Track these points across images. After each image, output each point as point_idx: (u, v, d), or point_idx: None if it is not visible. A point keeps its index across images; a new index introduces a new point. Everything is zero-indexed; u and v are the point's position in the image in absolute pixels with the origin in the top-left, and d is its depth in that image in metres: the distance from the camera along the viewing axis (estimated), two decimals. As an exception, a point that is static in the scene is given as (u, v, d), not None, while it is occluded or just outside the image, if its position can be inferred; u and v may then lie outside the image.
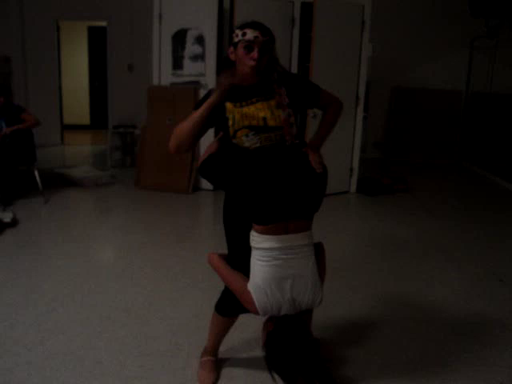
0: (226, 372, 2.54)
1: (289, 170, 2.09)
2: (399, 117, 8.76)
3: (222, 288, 2.39)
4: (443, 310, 3.30)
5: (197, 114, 2.17)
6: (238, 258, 2.23)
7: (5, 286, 3.42)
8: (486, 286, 3.72)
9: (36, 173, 5.49)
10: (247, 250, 2.14)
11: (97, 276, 3.65)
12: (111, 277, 3.66)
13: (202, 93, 5.92)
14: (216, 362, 2.55)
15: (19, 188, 5.64)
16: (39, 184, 5.48)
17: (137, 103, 7.33)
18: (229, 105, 2.19)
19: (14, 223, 4.60)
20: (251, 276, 2.11)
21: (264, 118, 2.16)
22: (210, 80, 5.93)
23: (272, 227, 2.05)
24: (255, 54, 2.10)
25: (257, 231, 2.09)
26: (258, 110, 2.17)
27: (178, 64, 6.03)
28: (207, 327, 2.55)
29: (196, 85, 5.98)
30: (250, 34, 2.09)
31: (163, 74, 6.13)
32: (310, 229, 2.15)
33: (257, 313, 2.11)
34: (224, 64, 2.25)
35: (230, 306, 2.27)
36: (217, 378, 2.47)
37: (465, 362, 2.69)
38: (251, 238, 2.12)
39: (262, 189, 2.05)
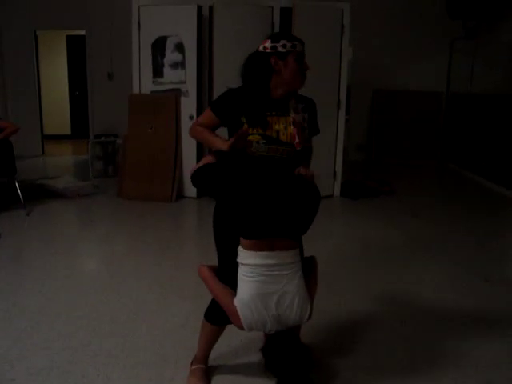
0: (215, 379, 2.51)
1: (282, 189, 2.12)
2: (381, 119, 8.81)
3: (209, 297, 2.37)
4: (430, 311, 3.31)
5: (208, 141, 2.35)
6: (228, 271, 2.21)
7: (-13, 301, 3.35)
8: (472, 285, 3.74)
9: (17, 185, 5.41)
10: (237, 263, 2.15)
11: (81, 288, 3.60)
12: (96, 289, 3.61)
13: (183, 100, 5.92)
14: (206, 369, 2.53)
15: (0, 201, 5.55)
16: (20, 196, 5.39)
17: (118, 112, 7.26)
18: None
19: (-5, 237, 4.53)
20: (238, 291, 2.12)
21: (277, 131, 2.23)
22: (190, 87, 5.91)
23: (258, 243, 2.07)
24: (307, 65, 2.23)
25: (243, 246, 2.10)
26: (274, 123, 2.23)
27: (158, 72, 6.00)
28: (194, 337, 2.53)
29: (177, 92, 5.95)
30: (299, 47, 2.21)
31: (143, 81, 6.08)
32: (296, 248, 2.16)
33: (242, 328, 2.12)
34: (263, 72, 2.24)
35: (219, 314, 2.25)
36: (207, 386, 2.45)
37: (453, 362, 2.70)
38: (238, 253, 2.13)
39: (253, 202, 2.07)
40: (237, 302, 2.10)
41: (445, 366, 2.66)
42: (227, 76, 5.97)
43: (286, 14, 5.75)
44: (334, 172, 6.31)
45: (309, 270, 2.25)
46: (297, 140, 2.23)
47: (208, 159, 2.38)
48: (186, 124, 5.94)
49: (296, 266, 2.14)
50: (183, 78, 5.93)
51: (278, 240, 2.09)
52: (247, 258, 2.09)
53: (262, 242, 2.07)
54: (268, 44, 2.21)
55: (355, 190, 6.36)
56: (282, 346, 2.16)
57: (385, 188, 6.55)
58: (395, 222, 5.32)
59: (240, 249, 2.13)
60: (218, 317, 2.32)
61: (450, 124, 8.66)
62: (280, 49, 2.18)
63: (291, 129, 2.24)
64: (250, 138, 2.20)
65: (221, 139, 2.27)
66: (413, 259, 4.27)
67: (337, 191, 6.37)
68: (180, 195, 6.10)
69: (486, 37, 7.82)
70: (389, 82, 8.63)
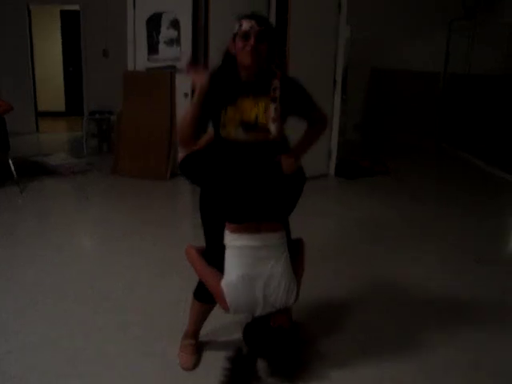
0: (206, 355, 2.55)
1: (265, 172, 2.13)
2: (378, 99, 8.78)
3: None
4: (421, 291, 3.34)
5: (187, 114, 2.19)
6: (215, 253, 2.24)
7: (-19, 276, 3.37)
8: (463, 266, 3.77)
9: (10, 161, 5.38)
10: (224, 245, 2.17)
11: (76, 265, 3.62)
12: (90, 265, 3.63)
13: (178, 77, 5.88)
14: (197, 345, 2.56)
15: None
16: (14, 173, 5.37)
17: (112, 89, 7.20)
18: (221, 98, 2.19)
19: (-12, 213, 4.53)
20: (225, 273, 2.15)
21: (256, 115, 2.19)
22: (185, 64, 5.87)
23: (244, 226, 2.10)
24: (251, 41, 2.12)
25: (229, 230, 2.13)
26: (252, 106, 2.19)
27: (153, 48, 5.95)
28: (187, 312, 2.56)
29: (172, 69, 5.91)
30: (246, 25, 2.13)
31: (138, 58, 6.04)
32: (282, 230, 2.18)
33: (227, 310, 2.15)
34: (225, 59, 2.26)
35: (207, 293, 2.28)
36: (198, 361, 2.49)
37: (441, 342, 2.73)
38: (225, 236, 2.15)
39: (237, 188, 2.09)
40: (224, 284, 2.12)
41: (433, 345, 2.70)
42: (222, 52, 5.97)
43: (283, -9, 5.69)
44: (329, 151, 6.30)
45: (296, 252, 2.28)
46: (271, 131, 2.19)
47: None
48: (181, 101, 5.91)
49: (282, 247, 2.16)
50: (178, 54, 5.88)
51: (263, 223, 2.11)
52: (234, 240, 2.12)
53: (248, 225, 2.10)
54: None
55: (350, 170, 6.37)
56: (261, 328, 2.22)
57: (380, 168, 6.56)
58: (390, 202, 5.34)
59: (226, 232, 2.15)
60: (206, 295, 2.35)
61: (447, 104, 8.64)
62: (233, 31, 2.18)
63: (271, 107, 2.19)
64: (228, 128, 2.17)
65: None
66: (406, 239, 4.30)
67: (332, 170, 6.37)
68: (174, 173, 6.09)
69: (484, 17, 7.77)
70: (386, 62, 8.58)
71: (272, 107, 2.18)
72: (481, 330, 2.86)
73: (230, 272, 2.12)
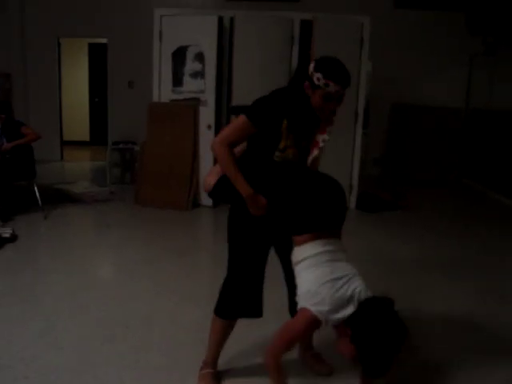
0: (225, 383, 2.53)
1: (331, 185, 2.24)
2: (399, 133, 8.77)
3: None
4: (442, 327, 3.29)
5: (232, 176, 2.22)
6: (242, 274, 2.29)
7: (3, 300, 3.40)
8: (486, 302, 3.71)
9: (35, 188, 5.49)
10: (250, 266, 2.19)
11: (95, 291, 3.64)
12: (110, 292, 3.64)
13: (202, 110, 5.97)
14: (215, 373, 2.54)
15: (19, 203, 5.63)
16: (39, 199, 5.47)
17: (137, 120, 7.36)
18: (286, 122, 2.22)
19: (13, 238, 4.59)
20: (304, 290, 2.08)
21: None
22: (209, 97, 5.97)
23: (319, 234, 2.14)
24: (333, 105, 2.19)
25: (300, 243, 2.14)
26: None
27: (177, 81, 6.07)
28: (205, 341, 2.55)
29: (196, 101, 6.01)
30: (332, 88, 2.12)
31: (163, 90, 6.16)
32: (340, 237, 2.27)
33: (320, 324, 2.04)
34: (298, 93, 2.22)
35: (230, 307, 2.30)
36: (217, 391, 2.47)
37: (467, 377, 2.68)
38: (294, 253, 2.18)
39: (310, 199, 2.16)
40: (311, 304, 2.03)
41: (456, 380, 2.66)
42: (246, 86, 6.09)
43: (306, 26, 5.79)
44: (350, 185, 6.31)
45: None
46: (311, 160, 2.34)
47: (217, 169, 2.41)
48: (204, 133, 5.99)
49: (345, 253, 2.23)
50: (202, 87, 5.99)
51: (331, 230, 2.19)
52: (307, 251, 2.12)
53: (321, 233, 2.14)
54: (311, 66, 2.18)
55: (371, 203, 6.34)
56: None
57: (401, 202, 6.53)
58: (409, 237, 5.30)
59: (296, 248, 2.17)
60: (229, 310, 2.37)
61: (468, 139, 8.61)
62: (314, 79, 2.14)
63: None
64: (289, 150, 2.26)
65: (246, 184, 2.21)
66: (426, 274, 4.24)
67: (353, 204, 6.36)
68: (196, 204, 6.14)
69: (505, 53, 7.79)
70: (407, 97, 8.60)
71: (323, 137, 2.31)
72: (505, 365, 2.79)
73: (312, 285, 2.05)
